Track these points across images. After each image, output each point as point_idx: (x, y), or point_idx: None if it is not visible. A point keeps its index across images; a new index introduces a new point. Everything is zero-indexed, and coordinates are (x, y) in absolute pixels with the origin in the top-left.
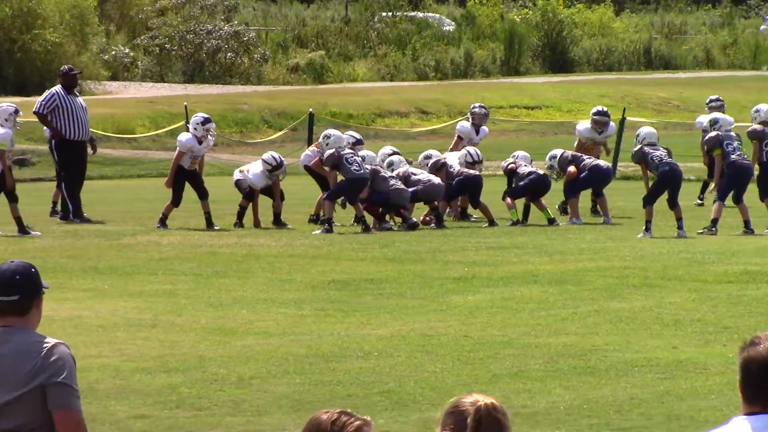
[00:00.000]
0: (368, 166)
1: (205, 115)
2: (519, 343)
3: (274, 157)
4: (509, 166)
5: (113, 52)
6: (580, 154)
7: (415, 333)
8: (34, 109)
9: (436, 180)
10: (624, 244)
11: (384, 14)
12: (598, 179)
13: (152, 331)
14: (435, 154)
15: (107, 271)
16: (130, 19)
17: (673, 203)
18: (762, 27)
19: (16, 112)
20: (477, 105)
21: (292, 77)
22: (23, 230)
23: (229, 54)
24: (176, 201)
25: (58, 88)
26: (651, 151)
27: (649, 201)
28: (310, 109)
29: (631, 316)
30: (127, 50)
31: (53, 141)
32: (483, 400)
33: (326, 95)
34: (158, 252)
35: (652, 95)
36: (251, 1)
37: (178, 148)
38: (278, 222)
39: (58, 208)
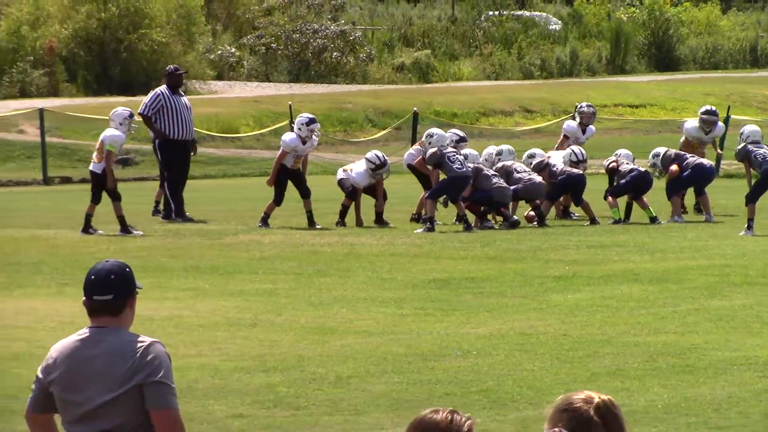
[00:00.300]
0: (471, 165)
1: (310, 116)
2: (618, 342)
3: (377, 156)
4: (611, 165)
5: (219, 52)
6: (683, 153)
7: (515, 332)
8: (139, 111)
9: (538, 179)
10: (726, 242)
11: (490, 13)
12: (701, 178)
13: (252, 330)
14: (539, 153)
15: (208, 271)
16: (237, 19)
17: None
18: None
19: (131, 116)
20: (585, 104)
21: (398, 76)
22: (126, 229)
23: (334, 53)
24: (278, 200)
25: (163, 88)
26: (754, 149)
27: (751, 199)
28: (415, 108)
29: (731, 315)
30: (233, 50)
31: (157, 141)
32: (598, 396)
33: (431, 94)
34: (259, 251)
35: (757, 93)
36: (358, 0)
37: (281, 148)
38: (380, 221)
39: (161, 207)
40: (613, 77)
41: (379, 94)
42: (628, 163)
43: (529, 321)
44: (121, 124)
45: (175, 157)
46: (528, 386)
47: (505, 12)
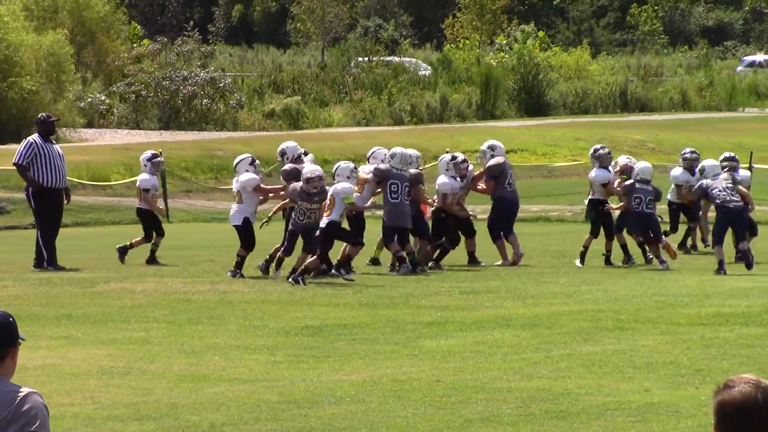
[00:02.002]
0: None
1: (152, 152)
2: (491, 388)
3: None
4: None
5: (89, 100)
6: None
7: (388, 378)
8: (13, 161)
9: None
10: (597, 288)
11: (360, 59)
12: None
13: (125, 378)
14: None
15: (81, 319)
16: (107, 66)
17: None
18: (739, 68)
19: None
20: (599, 146)
21: (268, 123)
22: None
23: (204, 100)
24: (147, 238)
25: (35, 136)
26: (641, 187)
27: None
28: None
29: (603, 360)
30: (103, 97)
31: (30, 189)
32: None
33: (301, 140)
34: (131, 299)
35: (627, 138)
36: (228, 47)
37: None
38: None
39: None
40: (483, 122)
41: (249, 141)
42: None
43: (402, 367)
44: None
45: (48, 206)
46: None
47: (374, 58)
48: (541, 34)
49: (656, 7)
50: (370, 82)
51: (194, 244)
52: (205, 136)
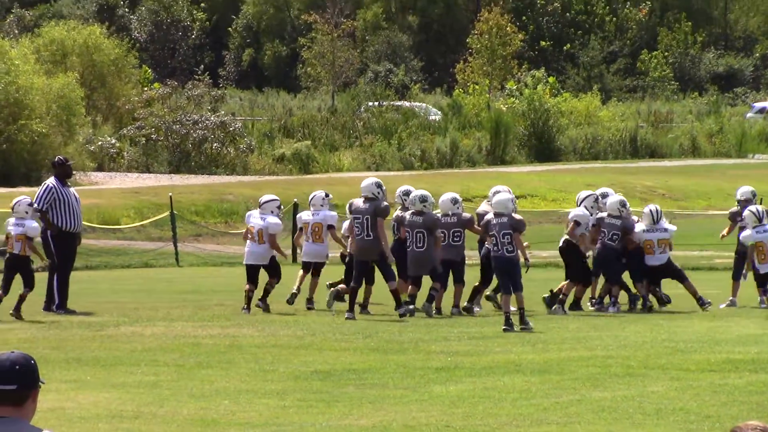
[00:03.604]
0: None
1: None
2: None
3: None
4: None
5: (99, 143)
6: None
7: (397, 423)
8: (35, 206)
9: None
10: (607, 333)
11: (370, 104)
12: None
13: (134, 422)
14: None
15: (90, 363)
16: (117, 110)
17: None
18: (749, 114)
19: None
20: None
21: (278, 167)
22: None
23: (215, 144)
24: None
25: (52, 180)
26: (609, 221)
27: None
28: (295, 199)
29: (613, 406)
30: (113, 141)
31: (49, 232)
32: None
33: (311, 185)
34: (141, 343)
35: (637, 184)
36: (238, 91)
37: None
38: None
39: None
40: (493, 168)
41: (259, 185)
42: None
43: (412, 413)
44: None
45: (65, 250)
46: None
47: (384, 103)
48: (551, 79)
49: (666, 53)
50: (380, 127)
51: (204, 288)
52: (215, 180)
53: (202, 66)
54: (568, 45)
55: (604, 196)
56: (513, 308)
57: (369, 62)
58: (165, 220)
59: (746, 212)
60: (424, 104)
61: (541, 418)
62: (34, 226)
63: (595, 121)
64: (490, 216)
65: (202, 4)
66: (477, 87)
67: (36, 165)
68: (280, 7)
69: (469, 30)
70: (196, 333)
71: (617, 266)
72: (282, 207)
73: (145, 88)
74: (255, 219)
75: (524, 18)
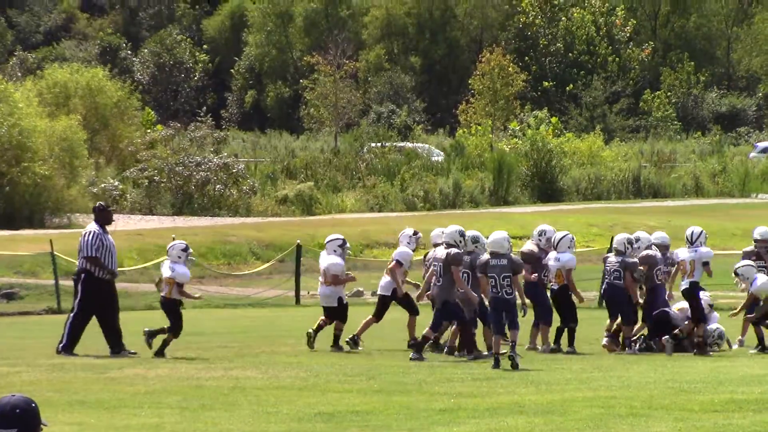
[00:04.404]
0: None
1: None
2: None
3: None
4: None
5: (102, 185)
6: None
7: None
8: (87, 254)
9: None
10: (610, 374)
11: (373, 145)
12: None
13: None
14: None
15: (94, 405)
16: (120, 152)
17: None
18: (752, 154)
19: (186, 249)
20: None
21: (281, 209)
22: None
23: (218, 186)
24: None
25: (94, 226)
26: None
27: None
28: (298, 241)
29: None
30: (116, 183)
31: (82, 275)
32: None
33: (314, 226)
34: (145, 385)
35: (640, 223)
36: (241, 133)
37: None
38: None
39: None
40: (496, 208)
41: (262, 227)
42: None
43: None
44: (179, 257)
45: (99, 295)
46: None
47: (387, 143)
48: (554, 120)
49: (669, 94)
50: (382, 168)
51: (207, 330)
52: (218, 221)
53: (205, 108)
54: (571, 85)
55: (637, 240)
56: (503, 350)
57: (371, 103)
58: None
59: (745, 268)
60: (426, 145)
61: None
62: (182, 272)
63: (597, 161)
64: (487, 256)
65: (205, 46)
66: (480, 128)
67: (39, 207)
68: (282, 49)
69: (472, 71)
70: (199, 375)
71: (627, 307)
72: (347, 245)
73: (148, 130)
74: (321, 259)
75: (527, 58)
